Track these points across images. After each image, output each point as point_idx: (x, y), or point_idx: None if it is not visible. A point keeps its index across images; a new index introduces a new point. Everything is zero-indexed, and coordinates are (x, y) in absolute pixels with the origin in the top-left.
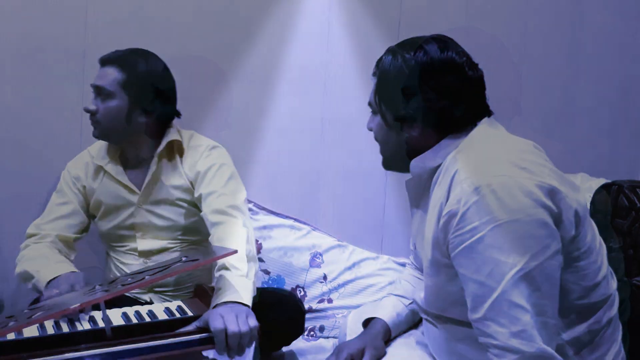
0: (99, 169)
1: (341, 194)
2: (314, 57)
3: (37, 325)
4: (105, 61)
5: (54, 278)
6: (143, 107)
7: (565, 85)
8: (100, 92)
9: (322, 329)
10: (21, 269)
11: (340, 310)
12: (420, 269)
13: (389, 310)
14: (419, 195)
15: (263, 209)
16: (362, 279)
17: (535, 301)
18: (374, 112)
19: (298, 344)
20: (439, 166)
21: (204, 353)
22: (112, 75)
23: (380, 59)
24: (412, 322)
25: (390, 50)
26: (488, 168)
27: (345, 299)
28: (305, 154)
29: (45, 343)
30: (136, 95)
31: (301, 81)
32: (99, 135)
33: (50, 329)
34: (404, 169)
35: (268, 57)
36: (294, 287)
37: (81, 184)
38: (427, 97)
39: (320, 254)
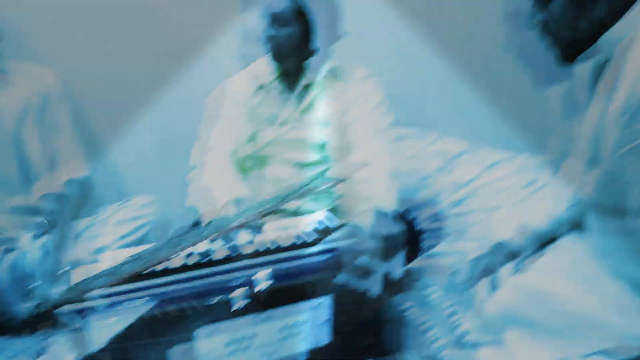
0: (261, 87)
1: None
2: None
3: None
4: None
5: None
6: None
7: None
8: (276, 18)
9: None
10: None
11: (478, 215)
12: None
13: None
14: None
15: None
16: (499, 182)
17: None
18: None
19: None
20: None
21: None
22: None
23: None
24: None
25: None
26: None
27: (482, 202)
28: None
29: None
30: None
31: None
32: (275, 56)
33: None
34: None
35: None
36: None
37: (244, 100)
38: None
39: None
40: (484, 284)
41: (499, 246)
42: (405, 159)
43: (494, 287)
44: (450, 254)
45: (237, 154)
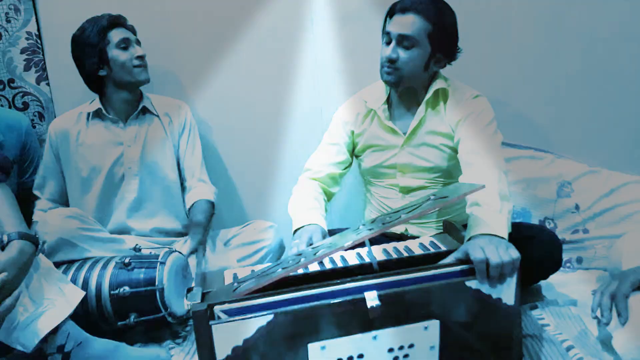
0: (369, 112)
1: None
2: None
3: (318, 262)
4: (406, 9)
5: (300, 227)
6: (442, 56)
7: None
8: (403, 40)
9: (579, 260)
10: (289, 208)
11: (599, 241)
12: None
13: None
14: None
15: None
16: (624, 206)
17: None
18: None
19: (556, 276)
20: None
21: (467, 283)
22: (418, 24)
23: None
24: None
25: None
26: None
27: (604, 228)
28: None
29: (325, 276)
30: (438, 45)
31: None
32: (394, 80)
33: (328, 265)
34: None
35: None
36: (542, 219)
37: (350, 128)
38: None
39: (569, 183)
40: (610, 316)
41: (624, 275)
42: (519, 180)
43: (622, 320)
44: (570, 282)
45: (329, 177)
